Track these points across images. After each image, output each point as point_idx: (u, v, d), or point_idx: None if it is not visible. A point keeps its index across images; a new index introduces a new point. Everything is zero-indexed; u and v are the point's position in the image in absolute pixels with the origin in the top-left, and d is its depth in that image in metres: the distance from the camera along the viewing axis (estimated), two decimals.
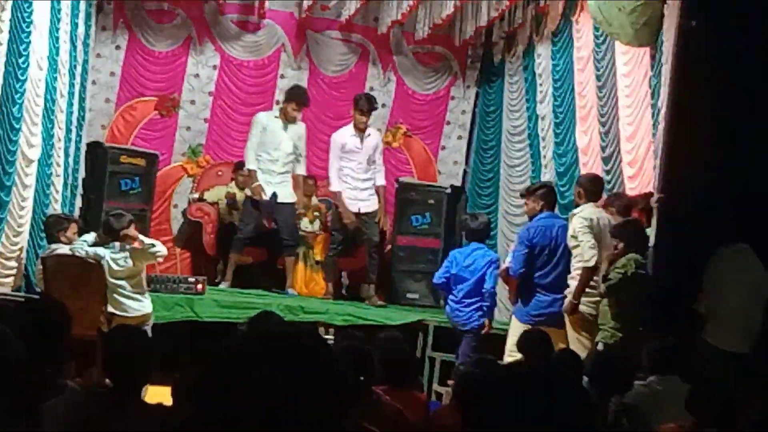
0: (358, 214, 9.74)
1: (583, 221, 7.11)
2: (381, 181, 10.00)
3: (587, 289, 6.98)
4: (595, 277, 6.95)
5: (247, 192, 9.69)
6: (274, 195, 9.49)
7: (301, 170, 9.78)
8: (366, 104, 9.69)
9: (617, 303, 6.65)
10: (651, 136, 7.64)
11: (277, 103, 10.44)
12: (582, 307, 7.00)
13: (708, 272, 6.54)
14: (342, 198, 9.75)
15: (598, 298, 6.87)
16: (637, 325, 6.59)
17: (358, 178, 9.76)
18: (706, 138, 6.68)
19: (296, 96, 9.60)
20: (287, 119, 9.53)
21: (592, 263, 6.93)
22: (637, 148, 7.95)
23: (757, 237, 6.50)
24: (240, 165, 9.94)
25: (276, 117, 9.60)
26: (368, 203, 9.82)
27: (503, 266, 8.03)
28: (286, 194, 9.58)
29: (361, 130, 9.71)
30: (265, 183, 9.48)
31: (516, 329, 7.28)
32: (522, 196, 8.05)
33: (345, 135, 9.77)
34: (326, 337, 7.86)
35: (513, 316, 7.65)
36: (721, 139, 6.66)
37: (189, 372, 3.44)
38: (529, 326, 7.11)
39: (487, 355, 5.76)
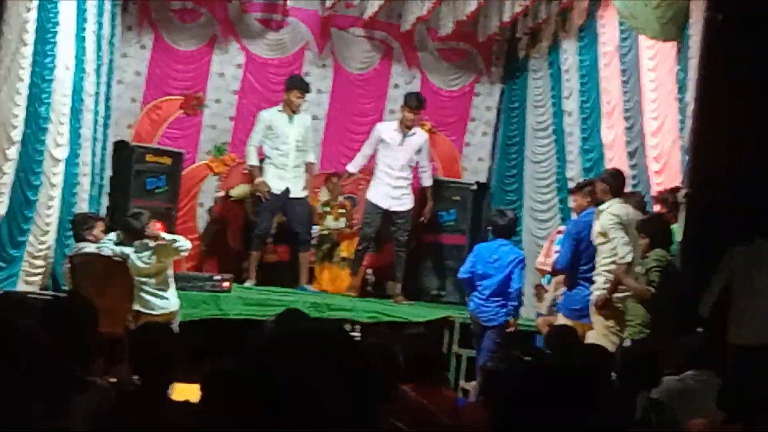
0: (386, 211, 9.74)
1: (612, 217, 7.08)
2: (427, 182, 10.01)
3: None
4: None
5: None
6: (287, 190, 9.51)
7: (312, 158, 9.81)
8: (415, 102, 9.73)
9: (648, 299, 6.61)
10: (677, 131, 7.59)
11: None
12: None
13: (730, 270, 6.43)
14: (344, 178, 10.03)
15: (626, 294, 6.84)
16: (665, 321, 6.55)
17: (391, 175, 9.73)
18: (734, 133, 6.63)
19: (296, 84, 9.63)
20: (292, 110, 9.55)
21: (628, 259, 6.91)
22: (663, 143, 7.90)
23: None
24: None
25: (280, 111, 9.61)
26: (400, 202, 9.77)
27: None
28: (299, 189, 9.59)
29: (406, 128, 9.71)
30: (278, 178, 9.50)
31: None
32: (570, 192, 8.14)
33: (388, 127, 9.82)
34: (353, 334, 7.87)
35: (558, 312, 7.66)
36: (750, 134, 6.61)
37: (217, 369, 3.44)
38: (572, 321, 7.12)
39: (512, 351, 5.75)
